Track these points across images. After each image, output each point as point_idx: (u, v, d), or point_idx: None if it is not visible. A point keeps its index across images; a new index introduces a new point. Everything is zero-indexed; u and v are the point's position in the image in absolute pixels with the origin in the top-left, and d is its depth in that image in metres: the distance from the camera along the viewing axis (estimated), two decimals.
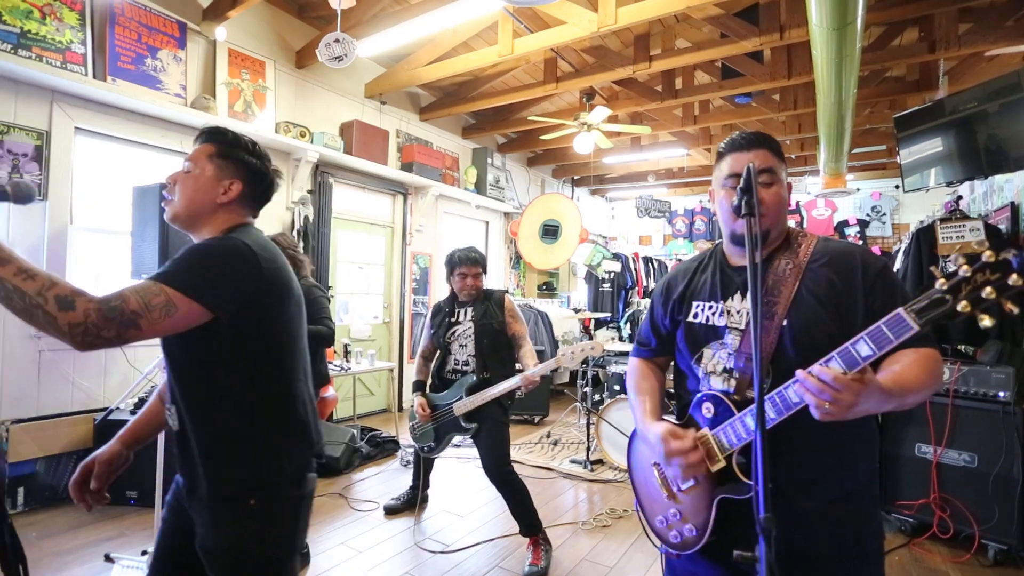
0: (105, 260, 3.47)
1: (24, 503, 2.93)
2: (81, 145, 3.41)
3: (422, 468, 3.12)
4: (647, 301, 7.40)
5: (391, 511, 3.11)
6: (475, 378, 2.69)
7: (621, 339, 6.66)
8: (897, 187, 7.45)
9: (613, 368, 4.52)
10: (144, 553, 2.38)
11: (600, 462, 3.97)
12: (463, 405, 2.66)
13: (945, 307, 0.83)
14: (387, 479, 3.68)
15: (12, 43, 2.98)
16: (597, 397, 4.92)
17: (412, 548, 2.71)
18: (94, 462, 1.27)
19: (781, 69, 4.42)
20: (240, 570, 1.16)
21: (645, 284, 7.92)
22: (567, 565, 2.57)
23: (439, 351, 2.87)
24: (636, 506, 1.32)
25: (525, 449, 4.38)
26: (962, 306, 0.81)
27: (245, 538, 1.15)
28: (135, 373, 3.35)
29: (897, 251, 4.10)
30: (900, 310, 0.87)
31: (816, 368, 0.90)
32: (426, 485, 3.23)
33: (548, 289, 8.07)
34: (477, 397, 2.63)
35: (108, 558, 2.42)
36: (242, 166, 1.26)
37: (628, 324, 6.93)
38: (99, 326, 0.95)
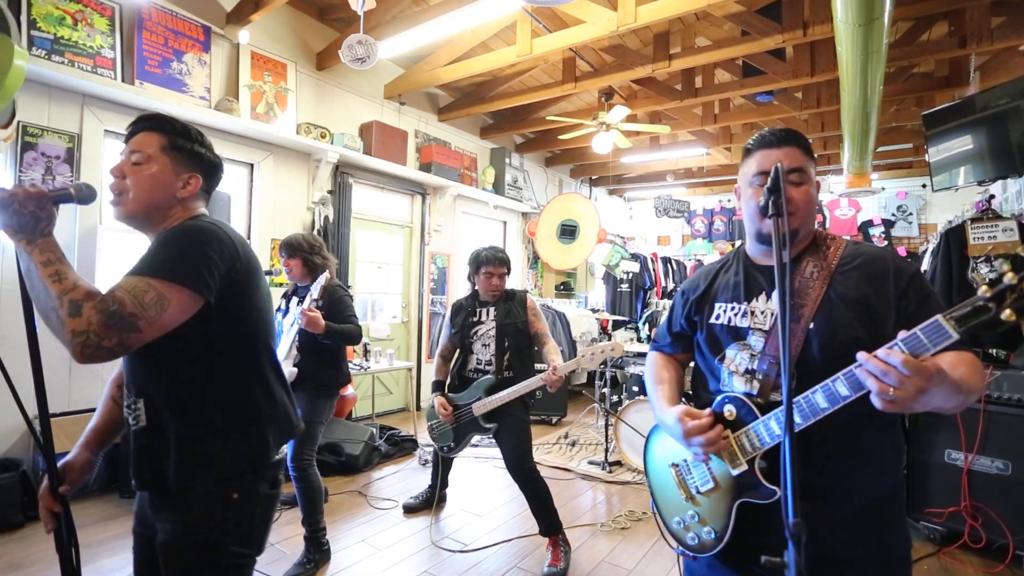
0: (133, 259, 3.57)
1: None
2: (110, 147, 3.49)
3: (440, 467, 3.14)
4: (666, 302, 7.34)
5: (410, 509, 3.13)
6: (494, 378, 2.69)
7: (639, 340, 6.60)
8: (924, 186, 7.27)
9: (631, 369, 4.49)
10: None
11: (618, 463, 3.95)
12: (482, 405, 2.66)
13: (987, 315, 0.80)
14: (406, 477, 3.70)
15: (46, 49, 3.07)
16: (615, 398, 4.89)
17: (431, 547, 2.72)
18: (66, 468, 1.21)
19: (804, 66, 4.35)
20: (208, 567, 1.11)
21: (664, 284, 7.85)
22: (585, 567, 2.56)
23: (459, 351, 2.86)
24: (652, 507, 1.31)
25: (543, 450, 4.38)
26: (1006, 315, 0.78)
27: (222, 532, 1.11)
28: None
29: (924, 252, 4.00)
30: (938, 317, 0.84)
31: (882, 351, 0.85)
32: (445, 484, 3.24)
33: (566, 289, 8.05)
34: (497, 397, 2.63)
35: None
36: (197, 158, 1.21)
37: (647, 325, 6.87)
38: (100, 335, 0.91)
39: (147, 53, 3.52)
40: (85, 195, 1.04)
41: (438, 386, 2.86)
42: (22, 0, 2.99)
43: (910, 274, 1.06)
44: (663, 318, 1.45)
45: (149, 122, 1.18)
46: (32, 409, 1.04)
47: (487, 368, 2.75)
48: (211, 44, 3.87)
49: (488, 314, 2.80)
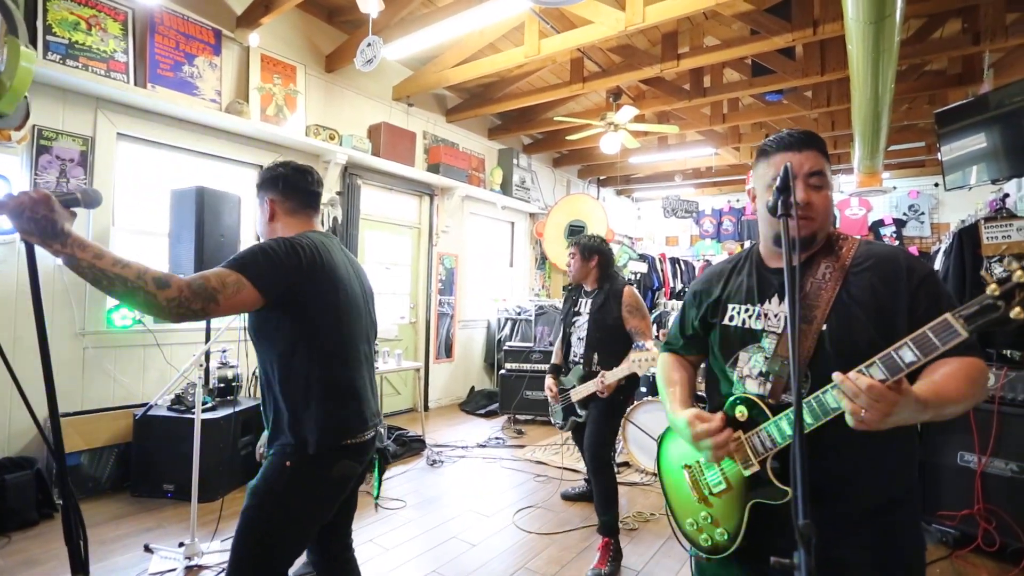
0: (145, 260, 3.61)
1: None
2: (123, 150, 3.53)
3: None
4: (675, 302, 7.30)
5: (567, 498, 3.33)
6: (584, 370, 2.69)
7: None
8: (937, 185, 7.20)
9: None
10: (181, 545, 2.45)
11: (626, 464, 3.93)
12: (575, 393, 2.70)
13: (996, 314, 0.80)
14: (413, 478, 3.71)
15: (61, 54, 3.11)
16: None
17: (438, 546, 2.73)
18: None
19: (814, 65, 4.32)
20: (259, 515, 1.33)
21: (672, 285, 7.81)
22: None
23: (562, 336, 2.89)
24: (666, 508, 1.30)
25: (550, 450, 4.37)
26: (1015, 313, 0.77)
27: (267, 493, 1.32)
28: (172, 371, 3.45)
29: (936, 252, 3.95)
30: (948, 316, 0.84)
31: (853, 373, 0.87)
32: None
33: None
34: (577, 389, 2.67)
35: (147, 548, 2.51)
36: (267, 184, 1.48)
37: (655, 326, 6.84)
38: (189, 299, 1.14)
39: (159, 57, 3.55)
40: (91, 199, 1.09)
41: (553, 369, 2.91)
42: (38, 5, 3.04)
43: (923, 274, 1.04)
44: (672, 319, 1.45)
45: None
46: (42, 411, 1.02)
47: (580, 362, 2.74)
48: (222, 47, 3.91)
49: (586, 305, 2.75)
